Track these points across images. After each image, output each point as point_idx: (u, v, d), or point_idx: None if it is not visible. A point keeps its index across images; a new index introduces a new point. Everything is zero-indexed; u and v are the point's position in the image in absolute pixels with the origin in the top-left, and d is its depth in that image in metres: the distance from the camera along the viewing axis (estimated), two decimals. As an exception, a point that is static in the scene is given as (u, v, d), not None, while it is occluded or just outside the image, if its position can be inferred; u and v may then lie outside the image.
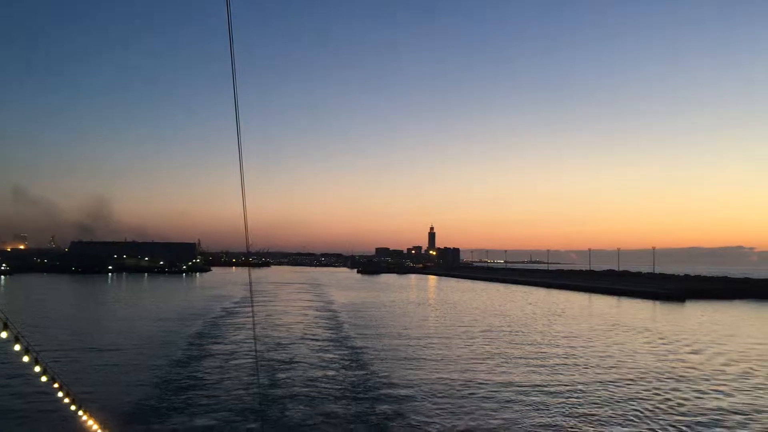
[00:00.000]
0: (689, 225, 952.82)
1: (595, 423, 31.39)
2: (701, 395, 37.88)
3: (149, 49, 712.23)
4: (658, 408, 34.51)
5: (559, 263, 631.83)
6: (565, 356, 52.96)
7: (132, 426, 29.01)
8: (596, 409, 34.06)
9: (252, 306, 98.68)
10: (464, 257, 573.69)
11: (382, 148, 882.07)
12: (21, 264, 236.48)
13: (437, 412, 33.02)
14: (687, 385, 40.68)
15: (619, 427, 30.68)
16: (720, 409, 34.58)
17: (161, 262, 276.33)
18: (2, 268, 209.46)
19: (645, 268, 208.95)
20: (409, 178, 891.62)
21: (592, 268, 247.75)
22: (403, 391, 37.59)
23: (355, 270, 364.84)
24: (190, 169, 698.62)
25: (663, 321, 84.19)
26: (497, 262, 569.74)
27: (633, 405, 35.12)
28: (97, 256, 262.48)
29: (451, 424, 30.58)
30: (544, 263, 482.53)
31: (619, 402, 35.87)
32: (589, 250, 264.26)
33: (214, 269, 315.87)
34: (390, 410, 33.11)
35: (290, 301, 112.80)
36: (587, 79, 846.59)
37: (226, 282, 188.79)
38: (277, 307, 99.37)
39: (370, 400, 35.61)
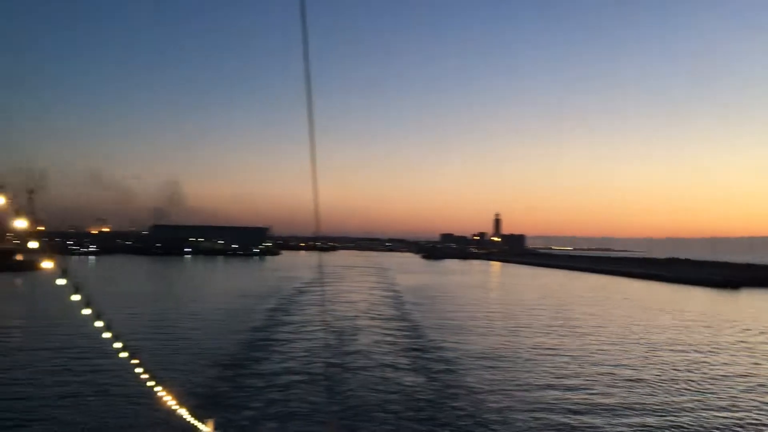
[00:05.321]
0: (747, 213, 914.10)
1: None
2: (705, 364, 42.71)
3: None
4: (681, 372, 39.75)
5: (631, 251, 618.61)
6: (594, 327, 58.44)
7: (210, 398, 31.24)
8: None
9: (322, 274, 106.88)
10: (529, 243, 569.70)
11: (446, 138, 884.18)
12: (105, 245, 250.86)
13: (477, 369, 39.71)
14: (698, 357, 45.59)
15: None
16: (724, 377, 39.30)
17: (234, 246, 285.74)
18: (91, 249, 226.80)
19: (709, 257, 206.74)
20: (474, 164, 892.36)
21: (656, 257, 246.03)
22: (450, 354, 44.52)
23: (420, 255, 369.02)
24: (257, 154, 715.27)
25: (715, 306, 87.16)
26: (565, 249, 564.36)
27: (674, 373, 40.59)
28: (175, 238, 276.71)
29: (487, 380, 36.78)
30: (614, 251, 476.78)
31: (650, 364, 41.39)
32: (650, 238, 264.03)
33: (284, 253, 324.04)
34: (443, 367, 39.97)
35: (356, 283, 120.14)
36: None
37: (296, 265, 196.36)
38: (345, 287, 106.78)
39: (424, 359, 42.65)
